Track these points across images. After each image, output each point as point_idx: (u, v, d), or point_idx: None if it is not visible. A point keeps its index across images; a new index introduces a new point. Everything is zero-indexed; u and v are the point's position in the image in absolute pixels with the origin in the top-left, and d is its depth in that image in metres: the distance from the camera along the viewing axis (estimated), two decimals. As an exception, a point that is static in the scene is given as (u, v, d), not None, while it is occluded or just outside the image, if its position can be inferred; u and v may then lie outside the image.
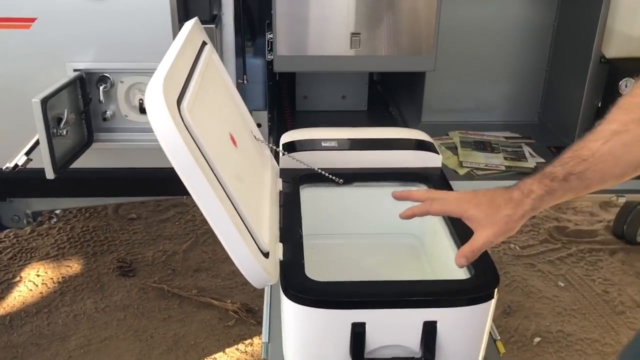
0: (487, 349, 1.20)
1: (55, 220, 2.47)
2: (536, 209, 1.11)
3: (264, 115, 2.15)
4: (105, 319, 2.55)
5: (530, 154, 2.33)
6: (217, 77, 1.36)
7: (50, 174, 1.64)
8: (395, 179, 1.56)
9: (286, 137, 1.64)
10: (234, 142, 1.26)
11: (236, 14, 1.95)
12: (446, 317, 1.11)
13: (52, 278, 2.78)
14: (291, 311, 1.12)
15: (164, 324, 2.53)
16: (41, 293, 2.69)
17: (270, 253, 1.14)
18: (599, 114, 2.24)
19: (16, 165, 1.64)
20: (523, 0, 2.49)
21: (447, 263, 1.31)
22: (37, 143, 1.65)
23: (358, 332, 1.09)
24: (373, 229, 1.59)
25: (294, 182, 1.51)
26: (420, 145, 1.61)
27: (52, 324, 2.51)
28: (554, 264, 2.99)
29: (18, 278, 2.78)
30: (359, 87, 2.61)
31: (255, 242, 1.11)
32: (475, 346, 1.16)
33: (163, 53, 1.79)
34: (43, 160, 1.64)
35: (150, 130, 1.90)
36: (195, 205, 1.05)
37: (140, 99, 1.87)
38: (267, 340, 1.34)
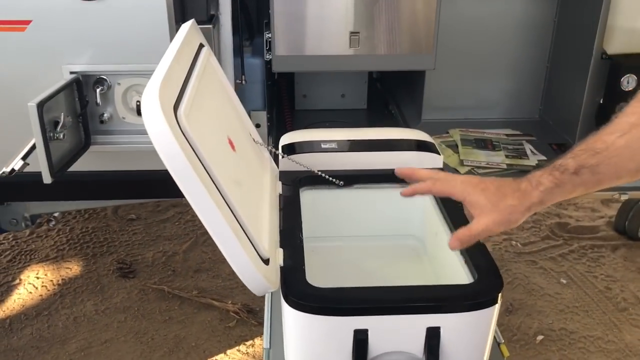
0: (491, 352, 1.19)
1: (54, 223, 2.46)
2: (544, 202, 1.07)
3: (262, 116, 2.14)
4: (106, 321, 2.54)
5: (532, 151, 2.31)
6: (215, 79, 1.34)
7: (47, 179, 1.63)
8: (396, 181, 1.53)
9: (285, 139, 1.62)
10: (232, 146, 1.24)
11: (234, 14, 1.93)
12: (450, 323, 1.09)
13: (51, 280, 2.77)
14: (292, 318, 1.11)
15: (165, 325, 2.52)
16: (41, 295, 2.67)
17: (270, 259, 1.12)
18: (601, 110, 2.23)
19: (13, 169, 1.62)
20: (523, -4, 2.47)
21: (450, 266, 1.30)
22: (33, 147, 1.64)
23: (360, 339, 1.07)
24: (374, 231, 1.58)
25: (294, 184, 1.49)
26: (421, 146, 1.60)
27: (52, 327, 2.50)
28: (556, 260, 2.98)
29: (17, 281, 2.76)
30: (359, 86, 2.59)
31: (254, 248, 1.09)
32: (479, 351, 1.14)
33: (160, 54, 1.77)
34: (40, 165, 1.62)
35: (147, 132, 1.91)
36: (194, 205, 1.03)
37: (138, 101, 1.85)
38: (269, 346, 1.33)
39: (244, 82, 2.03)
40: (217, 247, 1.03)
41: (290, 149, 1.57)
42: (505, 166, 2.20)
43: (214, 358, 2.36)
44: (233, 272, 1.07)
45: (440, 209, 1.43)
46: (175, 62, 1.12)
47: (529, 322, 2.57)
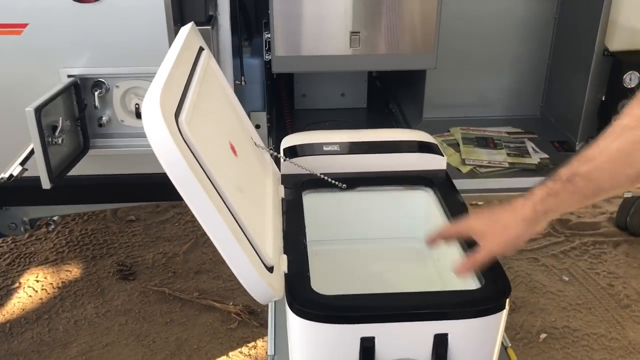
0: (498, 357, 1.17)
1: (53, 227, 2.43)
2: (540, 212, 1.06)
3: (262, 117, 2.12)
4: (107, 324, 2.52)
5: (534, 149, 2.30)
6: (215, 83, 1.32)
7: (46, 184, 1.61)
8: (400, 183, 1.53)
9: (287, 142, 1.61)
10: (234, 151, 1.22)
11: (232, 14, 1.91)
12: (457, 329, 1.08)
13: (51, 283, 2.75)
14: (297, 326, 1.09)
15: (166, 328, 2.50)
16: (41, 299, 2.65)
17: (274, 267, 1.11)
18: (603, 107, 2.21)
19: (11, 175, 1.60)
20: (522, -7, 2.45)
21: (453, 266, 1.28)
22: (32, 152, 1.62)
23: (367, 347, 1.06)
24: (378, 233, 1.56)
25: (296, 188, 1.47)
26: (424, 148, 1.58)
27: (52, 331, 2.48)
28: (558, 257, 2.96)
29: (17, 284, 2.74)
30: (358, 85, 2.58)
31: (259, 256, 1.07)
32: (487, 356, 1.13)
33: (159, 56, 1.75)
34: (39, 170, 1.60)
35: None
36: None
37: (137, 104, 1.83)
38: (273, 353, 1.31)
39: (243, 83, 2.01)
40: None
41: (292, 152, 1.56)
42: (507, 165, 2.19)
43: (216, 361, 2.35)
44: (234, 273, 1.05)
45: (445, 212, 1.41)
46: (176, 67, 1.10)
47: (532, 320, 2.55)
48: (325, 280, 1.20)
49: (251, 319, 2.53)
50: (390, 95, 2.66)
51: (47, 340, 2.42)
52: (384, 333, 1.07)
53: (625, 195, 2.27)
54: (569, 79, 2.38)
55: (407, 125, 2.37)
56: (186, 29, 1.29)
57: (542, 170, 2.17)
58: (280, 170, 1.54)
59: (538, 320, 2.56)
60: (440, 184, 1.51)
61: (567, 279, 2.82)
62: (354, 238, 1.56)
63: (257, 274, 1.03)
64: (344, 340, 1.07)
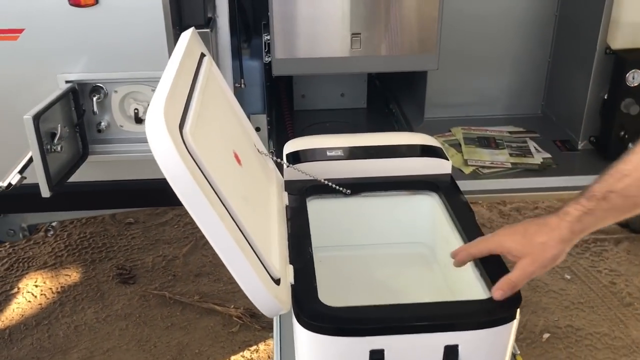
0: (507, 365, 1.16)
1: (52, 233, 2.41)
2: (577, 232, 1.04)
3: (262, 119, 2.09)
4: (107, 329, 2.50)
5: (536, 149, 2.28)
6: (218, 91, 1.30)
7: (45, 192, 1.59)
8: (404, 188, 1.51)
9: (289, 147, 1.59)
10: (238, 160, 1.20)
11: (231, 16, 1.89)
12: (468, 340, 1.06)
13: (50, 288, 2.72)
14: (305, 339, 1.07)
15: (167, 332, 2.49)
16: (40, 304, 2.63)
17: (281, 279, 1.09)
18: (606, 106, 2.20)
19: (9, 184, 1.58)
20: (522, -9, 2.43)
21: (464, 278, 1.27)
22: (30, 160, 1.59)
23: (377, 360, 1.05)
24: (382, 238, 1.54)
25: (300, 194, 1.45)
26: (428, 152, 1.56)
27: (52, 337, 2.46)
28: (559, 255, 2.95)
29: (16, 289, 2.72)
30: (358, 85, 2.55)
31: (265, 268, 1.05)
32: (497, 366, 1.11)
33: (158, 60, 1.75)
34: (38, 179, 1.58)
35: (146, 140, 1.86)
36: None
37: (136, 109, 1.80)
38: (279, 364, 1.30)
39: (243, 86, 1.99)
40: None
41: (295, 158, 1.53)
42: (509, 165, 2.17)
43: (218, 365, 2.34)
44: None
45: (451, 217, 1.40)
46: (178, 75, 1.08)
47: (535, 319, 2.54)
48: (332, 289, 1.19)
49: (253, 322, 2.51)
50: (390, 95, 2.64)
51: (47, 347, 2.40)
52: (394, 345, 1.05)
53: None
54: (571, 77, 2.36)
55: (408, 125, 2.35)
56: (187, 35, 1.27)
57: (545, 170, 2.16)
58: (283, 177, 1.52)
59: (541, 319, 2.55)
60: (446, 189, 1.49)
61: (569, 277, 2.81)
62: (358, 244, 1.54)
63: (264, 287, 1.02)
64: (353, 353, 1.05)
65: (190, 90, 1.11)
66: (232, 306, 2.59)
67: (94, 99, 1.77)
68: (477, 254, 1.19)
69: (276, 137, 2.26)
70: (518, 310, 1.10)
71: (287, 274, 1.15)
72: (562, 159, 2.23)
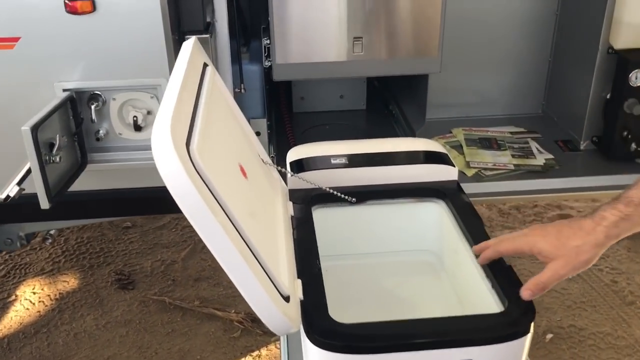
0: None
1: (50, 241, 2.38)
2: (612, 237, 1.05)
3: (262, 123, 2.07)
4: (107, 336, 2.47)
5: (538, 149, 2.27)
6: (222, 101, 1.28)
7: (44, 204, 1.56)
8: (410, 195, 1.49)
9: (292, 155, 1.56)
10: (244, 173, 1.18)
11: (230, 20, 1.86)
12: (482, 355, 1.05)
13: (49, 295, 2.69)
14: (316, 356, 1.05)
15: (168, 338, 2.46)
16: (39, 312, 2.60)
17: (290, 296, 1.07)
18: (608, 106, 2.18)
19: (8, 196, 1.55)
20: (522, -10, 2.41)
21: (474, 288, 1.25)
22: (28, 172, 1.56)
23: (390, 377, 1.03)
24: (389, 247, 1.53)
25: (305, 203, 1.43)
26: (434, 158, 1.54)
27: (52, 345, 2.43)
28: (560, 254, 2.94)
29: (13, 297, 2.69)
30: (357, 86, 2.53)
31: (275, 286, 1.03)
32: (511, 380, 1.10)
33: (156, 67, 1.72)
34: (37, 191, 1.55)
35: (146, 148, 1.83)
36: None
37: (135, 116, 1.77)
38: (288, 379, 1.28)
39: (243, 90, 1.96)
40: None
41: (299, 166, 1.51)
42: (512, 167, 2.16)
43: (220, 371, 2.32)
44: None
45: (459, 225, 1.38)
46: (183, 89, 1.05)
47: (537, 319, 2.48)
48: (340, 301, 1.17)
49: (254, 327, 2.49)
50: (389, 96, 2.62)
51: (47, 355, 2.38)
52: (407, 362, 1.03)
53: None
54: (572, 77, 2.35)
55: (409, 126, 2.33)
56: (189, 45, 1.24)
57: (548, 171, 2.14)
58: (287, 185, 1.50)
59: (544, 320, 2.54)
60: (452, 195, 1.47)
61: (570, 276, 2.80)
62: (365, 252, 1.52)
63: (275, 305, 1.00)
64: (365, 370, 1.03)
65: (195, 103, 1.08)
66: (233, 311, 2.57)
67: (92, 107, 1.74)
68: (505, 252, 1.19)
69: (276, 141, 2.23)
70: (532, 323, 1.08)
71: (296, 290, 1.13)
72: (564, 160, 2.21)
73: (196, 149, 0.96)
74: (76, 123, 1.71)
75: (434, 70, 1.97)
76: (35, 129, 1.49)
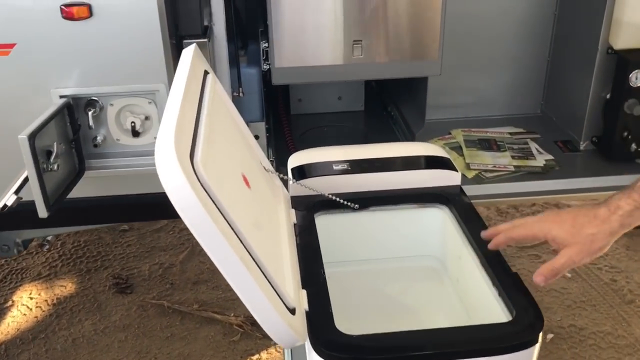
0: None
1: (47, 247, 2.35)
2: (626, 226, 1.06)
3: (261, 127, 2.05)
4: (106, 341, 2.46)
5: (538, 150, 2.26)
6: (223, 110, 1.26)
7: (43, 213, 1.54)
8: (413, 201, 1.48)
9: (293, 161, 1.55)
10: (247, 183, 1.16)
11: (228, 24, 1.84)
12: (491, 366, 1.03)
13: (46, 300, 2.67)
14: (323, 369, 1.04)
15: (167, 343, 2.45)
16: (36, 317, 2.58)
17: (296, 308, 1.05)
18: (608, 106, 2.17)
19: (5, 206, 1.52)
20: (520, -11, 2.40)
21: (478, 294, 1.24)
22: (26, 180, 1.54)
23: (397, 389, 1.02)
24: (392, 252, 1.52)
25: (308, 210, 1.42)
26: (437, 163, 1.53)
27: (50, 351, 2.41)
28: (559, 253, 2.94)
29: (10, 302, 2.67)
30: (355, 87, 2.51)
31: (280, 299, 1.02)
32: (518, 390, 1.09)
33: (154, 72, 1.70)
34: (35, 200, 1.53)
35: (144, 153, 1.82)
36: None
37: (133, 122, 1.75)
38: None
39: (241, 94, 1.94)
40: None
41: (300, 172, 1.50)
42: (512, 168, 2.15)
43: (220, 376, 2.30)
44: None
45: (462, 231, 1.37)
46: (185, 100, 1.03)
47: (538, 320, 2.53)
48: (344, 309, 1.16)
49: (254, 330, 2.48)
50: (387, 97, 2.60)
51: (45, 361, 2.36)
52: (415, 374, 1.02)
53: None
54: (571, 77, 2.34)
55: (408, 128, 2.31)
56: (190, 52, 1.22)
57: (548, 172, 2.13)
58: (289, 192, 1.48)
59: (544, 319, 2.53)
60: (456, 201, 1.46)
61: (569, 275, 2.80)
62: (368, 258, 1.51)
63: (281, 318, 0.98)
64: (373, 383, 1.02)
65: (197, 114, 1.07)
66: (232, 314, 2.56)
67: (90, 113, 1.71)
68: (518, 239, 1.20)
69: (275, 144, 2.22)
70: (541, 333, 1.07)
71: (301, 301, 1.11)
72: (564, 161, 2.20)
73: (200, 161, 0.94)
74: (73, 130, 1.69)
75: (434, 73, 1.96)
76: (32, 137, 1.47)
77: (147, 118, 1.77)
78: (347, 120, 2.51)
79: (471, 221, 1.38)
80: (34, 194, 1.52)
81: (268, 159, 2.03)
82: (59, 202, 1.61)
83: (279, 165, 2.01)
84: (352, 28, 1.87)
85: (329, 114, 2.53)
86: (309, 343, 1.07)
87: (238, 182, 1.11)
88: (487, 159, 2.19)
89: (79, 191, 1.74)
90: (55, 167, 1.57)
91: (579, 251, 1.07)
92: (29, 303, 2.66)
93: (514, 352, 1.04)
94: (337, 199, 1.42)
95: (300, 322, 1.04)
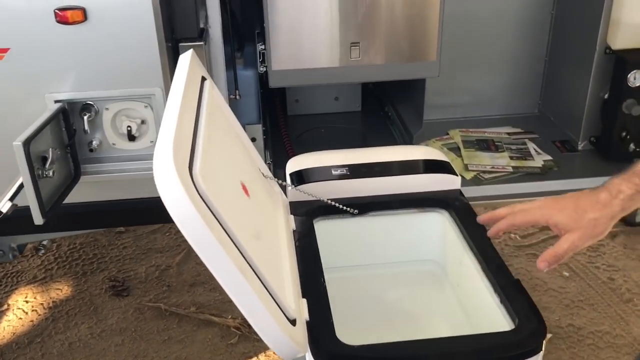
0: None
1: (43, 251, 2.34)
2: (626, 209, 1.07)
3: (258, 129, 2.03)
4: (103, 345, 2.43)
5: (536, 150, 2.25)
6: (221, 117, 1.24)
7: (38, 220, 1.52)
8: (413, 205, 1.47)
9: (291, 166, 1.53)
10: (246, 191, 1.15)
11: (224, 26, 1.82)
12: (494, 376, 1.02)
13: (42, 304, 2.65)
14: (325, 380, 1.03)
15: (164, 346, 2.43)
16: (32, 321, 2.56)
17: (297, 319, 1.04)
18: (606, 106, 2.17)
19: (0, 212, 1.51)
20: (518, -11, 2.39)
21: (480, 301, 1.23)
22: (21, 186, 1.52)
23: (400, 401, 1.01)
24: (392, 257, 1.51)
25: (307, 216, 1.41)
26: (437, 167, 1.52)
27: (46, 355, 2.39)
28: (557, 252, 2.93)
29: (5, 306, 2.64)
30: (353, 88, 2.50)
31: (281, 310, 1.00)
32: (522, 399, 1.08)
33: (150, 76, 1.68)
34: (30, 206, 1.51)
35: (140, 158, 1.80)
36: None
37: (129, 126, 1.74)
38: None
39: (238, 97, 1.93)
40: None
41: (299, 178, 1.48)
42: (511, 169, 2.14)
43: (218, 379, 2.29)
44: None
45: (463, 236, 1.36)
46: (183, 109, 1.02)
47: (536, 320, 2.52)
48: (345, 316, 1.15)
49: (251, 333, 2.46)
50: (385, 97, 2.59)
51: (42, 366, 2.34)
52: (417, 384, 1.01)
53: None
54: (569, 77, 2.33)
55: (406, 129, 2.30)
56: (187, 59, 1.20)
57: (547, 173, 2.13)
58: (287, 197, 1.47)
59: (546, 327, 2.53)
60: (456, 205, 1.45)
61: (567, 274, 2.79)
62: (368, 263, 1.50)
63: (281, 330, 0.97)
64: (376, 395, 1.01)
65: (195, 122, 1.05)
66: (230, 316, 2.54)
67: (85, 117, 1.70)
68: (520, 225, 1.20)
69: (272, 146, 2.20)
70: (544, 342, 1.06)
71: (302, 310, 1.10)
72: (563, 161, 2.20)
73: (199, 173, 0.92)
74: (69, 135, 1.67)
75: (432, 74, 1.95)
76: (27, 144, 1.45)
77: (143, 122, 1.75)
78: (344, 120, 2.50)
79: (471, 226, 1.37)
80: (29, 200, 1.50)
81: (265, 161, 2.02)
82: (55, 209, 1.60)
83: (276, 167, 2.00)
84: (349, 30, 1.86)
85: (326, 115, 2.52)
86: (310, 354, 1.06)
87: (237, 191, 1.10)
88: (485, 160, 2.18)
89: (74, 196, 1.72)
90: (51, 173, 1.55)
91: (581, 236, 1.07)
92: (24, 307, 2.63)
93: (517, 360, 1.03)
94: (337, 205, 1.41)
95: (301, 333, 1.03)
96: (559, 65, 2.40)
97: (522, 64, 2.48)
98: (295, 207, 1.44)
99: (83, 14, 1.57)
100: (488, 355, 1.03)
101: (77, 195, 1.74)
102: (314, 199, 1.43)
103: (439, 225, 1.46)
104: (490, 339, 1.07)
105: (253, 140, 2.01)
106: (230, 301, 2.77)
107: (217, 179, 1.00)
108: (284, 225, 1.31)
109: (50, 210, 1.56)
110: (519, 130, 2.41)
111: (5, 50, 1.59)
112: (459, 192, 1.50)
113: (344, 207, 1.41)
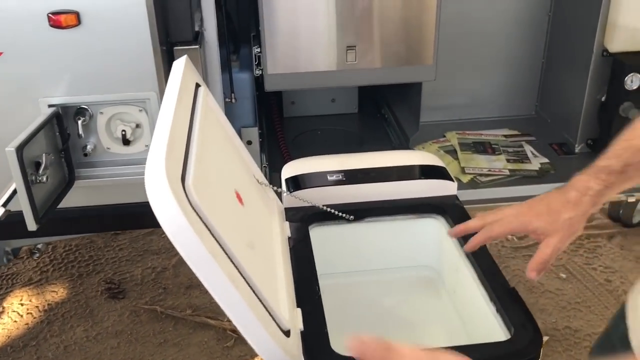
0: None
1: (38, 255, 2.32)
2: (597, 204, 1.08)
3: (254, 132, 2.02)
4: (98, 348, 2.43)
5: (533, 153, 2.24)
6: (216, 125, 1.23)
7: (32, 226, 1.51)
8: (409, 212, 1.46)
9: (287, 171, 1.52)
10: (240, 200, 1.14)
11: (219, 29, 1.81)
12: (490, 386, 1.02)
13: (37, 306, 2.64)
14: (319, 392, 1.02)
15: (160, 349, 2.42)
16: (27, 324, 2.55)
17: (291, 329, 1.03)
18: (603, 109, 2.16)
19: (-7, 218, 1.50)
20: (514, -10, 2.38)
21: (476, 309, 1.23)
22: (14, 192, 1.51)
23: (395, 413, 0.99)
24: (388, 263, 1.50)
25: (302, 222, 1.40)
26: (433, 173, 1.51)
27: (41, 358, 2.38)
28: (554, 254, 2.93)
29: (0, 309, 2.63)
30: (349, 90, 2.49)
31: (275, 321, 0.99)
32: (518, 409, 1.07)
33: (144, 80, 1.67)
34: (23, 212, 1.50)
35: (135, 162, 1.79)
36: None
37: (123, 130, 1.72)
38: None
39: (233, 100, 1.91)
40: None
41: (294, 183, 1.47)
42: (507, 172, 2.13)
43: (214, 382, 2.28)
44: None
45: (459, 241, 1.35)
46: (176, 117, 1.00)
47: (533, 322, 2.52)
48: (340, 325, 1.14)
49: (248, 336, 2.45)
50: (381, 99, 2.58)
51: (37, 370, 2.33)
52: (413, 396, 1.00)
53: (629, 200, 2.23)
54: (566, 79, 2.32)
55: (402, 131, 2.30)
56: (181, 65, 1.19)
57: (544, 176, 2.12)
58: (282, 203, 1.46)
59: (539, 322, 2.46)
60: (452, 211, 1.44)
61: (564, 276, 2.79)
62: (363, 270, 1.49)
63: (275, 343, 0.96)
64: (371, 407, 1.00)
65: (188, 131, 1.04)
66: (226, 319, 2.53)
67: (79, 121, 1.69)
68: (498, 236, 1.19)
69: (268, 149, 2.19)
70: (541, 350, 1.06)
71: (296, 320, 1.09)
72: (559, 164, 2.20)
73: (192, 184, 0.91)
74: (63, 139, 1.66)
75: (428, 78, 1.94)
76: (20, 149, 1.44)
77: (137, 126, 1.74)
78: (340, 123, 2.49)
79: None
80: (22, 207, 1.49)
81: (261, 165, 2.01)
82: (49, 214, 1.59)
83: (272, 171, 1.99)
84: (346, 33, 1.85)
85: (322, 117, 2.51)
86: (305, 366, 1.05)
87: (231, 200, 1.09)
88: (482, 163, 2.18)
89: (69, 200, 1.71)
90: (45, 178, 1.54)
91: (561, 238, 1.08)
92: (19, 309, 2.62)
93: (513, 371, 1.03)
94: (332, 211, 1.40)
95: (295, 344, 1.02)
96: (556, 67, 2.39)
97: (519, 66, 2.47)
98: (291, 213, 1.43)
99: (77, 18, 1.56)
100: (484, 366, 1.03)
101: (72, 199, 1.73)
102: (310, 205, 1.42)
103: (435, 232, 1.45)
104: (487, 349, 1.06)
105: (249, 143, 2.00)
106: (227, 304, 2.73)
107: (211, 189, 0.99)
108: (279, 233, 1.30)
109: (44, 216, 1.55)
110: (515, 132, 2.40)
111: (-2, 55, 1.58)
112: (455, 197, 1.49)
113: (340, 213, 1.40)
